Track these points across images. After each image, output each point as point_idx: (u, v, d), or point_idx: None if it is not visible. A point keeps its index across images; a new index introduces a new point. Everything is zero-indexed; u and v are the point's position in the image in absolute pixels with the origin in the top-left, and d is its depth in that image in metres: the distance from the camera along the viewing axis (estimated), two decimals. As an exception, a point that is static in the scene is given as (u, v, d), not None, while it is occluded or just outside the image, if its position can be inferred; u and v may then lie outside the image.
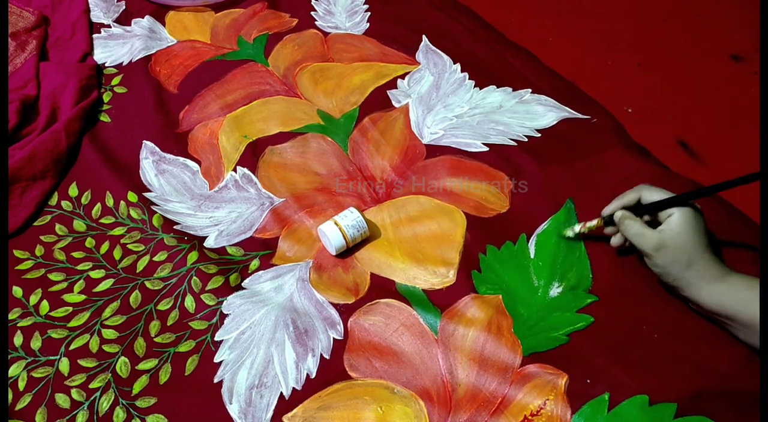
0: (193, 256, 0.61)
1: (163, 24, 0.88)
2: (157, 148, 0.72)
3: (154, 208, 0.66)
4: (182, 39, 0.86)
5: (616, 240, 0.55)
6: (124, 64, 0.83)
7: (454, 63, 0.78)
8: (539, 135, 0.68)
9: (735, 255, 0.55)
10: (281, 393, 0.52)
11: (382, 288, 0.58)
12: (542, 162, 0.65)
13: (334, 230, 0.58)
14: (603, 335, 0.52)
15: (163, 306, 0.58)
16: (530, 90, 0.74)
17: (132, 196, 0.67)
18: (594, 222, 0.55)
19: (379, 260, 0.60)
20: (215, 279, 0.59)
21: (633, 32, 0.86)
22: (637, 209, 0.52)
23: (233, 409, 0.51)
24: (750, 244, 0.57)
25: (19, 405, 0.53)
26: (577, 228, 0.56)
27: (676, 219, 0.49)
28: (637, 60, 0.82)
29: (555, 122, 0.70)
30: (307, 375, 0.53)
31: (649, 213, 0.52)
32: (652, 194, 0.52)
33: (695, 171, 0.67)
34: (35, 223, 0.66)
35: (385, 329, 0.55)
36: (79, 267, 0.62)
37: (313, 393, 0.52)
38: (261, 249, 0.62)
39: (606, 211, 0.55)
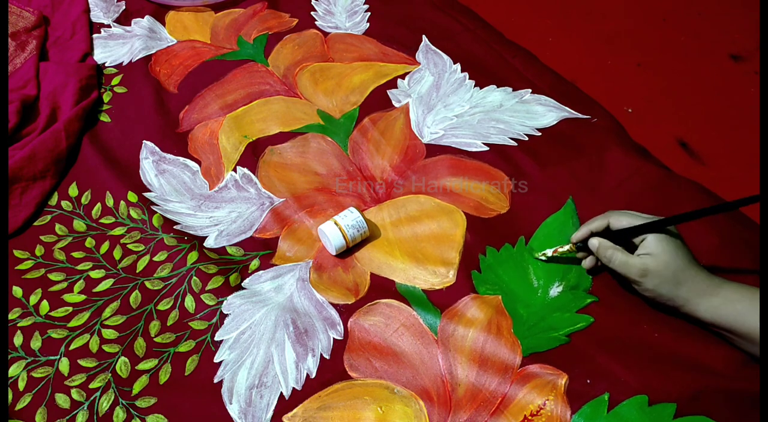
0: (193, 256, 0.61)
1: (163, 24, 0.88)
2: (157, 148, 0.72)
3: (154, 207, 0.66)
4: (182, 39, 0.86)
5: (588, 263, 0.55)
6: (124, 64, 0.83)
7: (454, 63, 0.78)
8: (539, 134, 0.68)
9: (735, 255, 0.56)
10: (281, 393, 0.52)
11: (382, 288, 0.58)
12: (542, 162, 0.65)
13: (334, 230, 0.58)
14: (603, 335, 0.52)
15: (163, 306, 0.58)
16: (530, 90, 0.74)
17: (132, 196, 0.67)
18: (566, 248, 0.55)
19: (379, 260, 0.60)
20: (215, 279, 0.59)
21: (633, 32, 0.86)
22: (609, 235, 0.52)
23: (233, 409, 0.51)
24: (750, 245, 0.57)
25: (19, 405, 0.53)
26: (549, 252, 0.56)
27: (651, 242, 0.49)
28: (637, 60, 0.82)
29: (555, 122, 0.70)
30: (307, 375, 0.53)
31: (623, 239, 0.52)
32: (620, 219, 0.52)
33: (695, 171, 0.67)
34: (35, 223, 0.66)
35: (385, 329, 0.55)
36: (79, 267, 0.62)
37: (313, 393, 0.52)
38: (261, 249, 0.62)
39: (575, 237, 0.55)
